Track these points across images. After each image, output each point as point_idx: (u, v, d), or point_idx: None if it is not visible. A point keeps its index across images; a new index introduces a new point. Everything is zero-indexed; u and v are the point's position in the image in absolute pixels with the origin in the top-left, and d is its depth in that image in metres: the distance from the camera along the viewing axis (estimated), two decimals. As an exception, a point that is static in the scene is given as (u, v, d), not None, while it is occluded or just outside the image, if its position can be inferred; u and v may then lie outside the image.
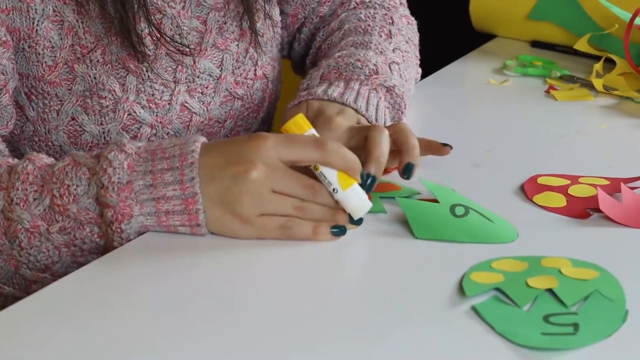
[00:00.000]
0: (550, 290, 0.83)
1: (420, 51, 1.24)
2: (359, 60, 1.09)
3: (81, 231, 0.89)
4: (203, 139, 0.90)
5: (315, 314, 0.81)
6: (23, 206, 0.89)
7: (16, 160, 0.94)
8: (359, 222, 0.91)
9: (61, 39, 0.98)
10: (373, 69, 1.08)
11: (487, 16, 1.46)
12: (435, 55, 1.28)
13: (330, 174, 0.90)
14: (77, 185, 0.88)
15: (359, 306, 0.83)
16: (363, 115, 1.04)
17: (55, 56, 0.99)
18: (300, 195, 0.89)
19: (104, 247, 0.90)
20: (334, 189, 0.90)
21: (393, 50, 1.15)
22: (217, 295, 0.83)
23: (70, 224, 0.89)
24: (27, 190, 0.89)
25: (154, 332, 0.78)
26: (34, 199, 0.89)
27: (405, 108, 1.10)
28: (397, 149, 0.97)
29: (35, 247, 0.89)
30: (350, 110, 1.04)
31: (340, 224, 0.90)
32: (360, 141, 0.98)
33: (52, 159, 0.93)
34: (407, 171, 0.96)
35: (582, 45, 1.35)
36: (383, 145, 0.95)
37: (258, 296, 0.83)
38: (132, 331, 0.78)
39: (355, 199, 0.90)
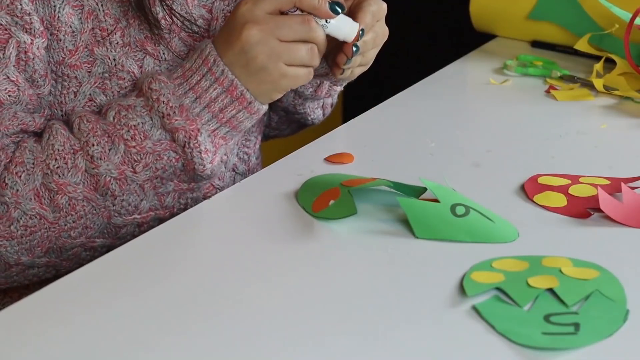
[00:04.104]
0: (551, 290, 0.83)
1: (421, 51, 1.24)
2: None
3: (160, 161, 0.97)
4: (210, 40, 0.99)
5: (314, 313, 0.81)
6: (105, 159, 0.96)
7: (67, 121, 1.00)
8: (357, 49, 1.00)
9: (82, 23, 1.00)
10: None
11: (487, 16, 1.46)
12: (435, 55, 1.28)
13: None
14: (142, 123, 0.97)
15: (359, 306, 0.83)
16: None
17: (75, 40, 1.00)
18: (303, 32, 0.97)
19: (181, 170, 0.98)
20: (324, 23, 0.98)
21: None
22: (217, 294, 0.84)
23: (150, 159, 0.97)
24: (101, 143, 0.96)
25: (154, 332, 0.78)
26: (109, 149, 0.97)
27: None
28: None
29: (126, 192, 0.97)
30: None
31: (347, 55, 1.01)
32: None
33: (95, 113, 0.99)
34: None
35: (582, 45, 1.35)
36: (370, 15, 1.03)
37: (257, 295, 0.83)
38: (132, 331, 0.78)
39: (345, 24, 0.99)
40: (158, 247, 0.91)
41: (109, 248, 0.98)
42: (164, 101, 0.96)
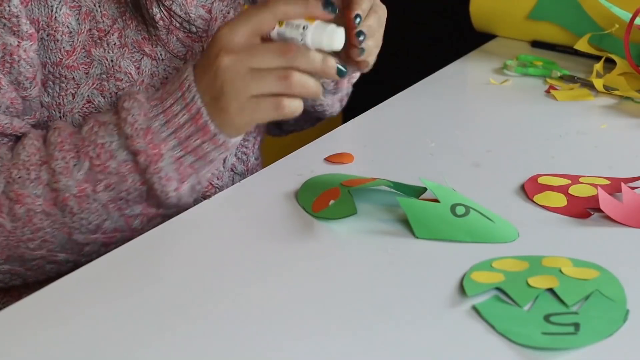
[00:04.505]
0: (551, 290, 0.83)
1: (421, 51, 1.24)
2: None
3: (124, 183, 0.94)
4: (192, 63, 0.95)
5: (314, 313, 0.81)
6: (67, 174, 0.93)
7: (46, 131, 0.98)
8: (343, 70, 0.92)
9: (79, 23, 0.99)
10: None
11: (487, 16, 1.46)
12: (435, 55, 1.28)
13: (294, 20, 0.92)
14: (110, 142, 0.94)
15: (358, 305, 0.83)
16: None
17: (73, 41, 1.00)
18: (277, 63, 0.91)
19: (148, 193, 0.95)
20: (303, 27, 0.92)
21: None
22: (217, 294, 0.84)
23: (114, 180, 0.94)
24: (66, 158, 0.94)
25: (154, 332, 0.78)
26: (74, 165, 0.94)
27: None
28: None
29: (86, 210, 0.94)
30: None
31: (337, 66, 0.92)
32: None
33: (74, 126, 0.98)
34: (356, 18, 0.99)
35: (582, 45, 1.35)
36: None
37: (257, 295, 0.83)
38: (132, 331, 0.78)
39: (326, 29, 0.92)
40: (157, 247, 0.91)
41: (74, 263, 0.96)
42: (130, 122, 0.93)
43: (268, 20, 0.92)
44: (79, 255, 0.97)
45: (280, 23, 0.92)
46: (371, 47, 1.02)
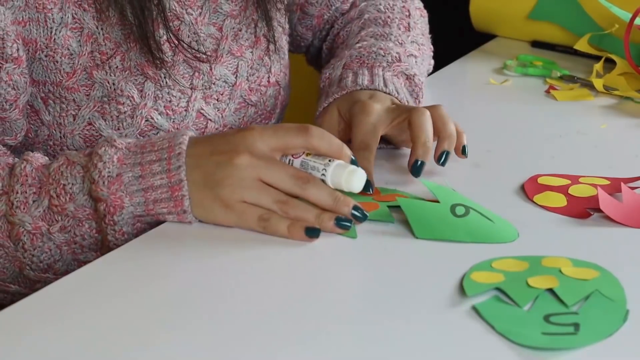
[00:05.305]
0: (550, 290, 0.83)
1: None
2: (380, 48, 1.13)
3: (80, 228, 0.91)
4: (191, 133, 0.93)
5: (314, 313, 0.81)
6: (24, 209, 0.91)
7: (16, 160, 0.95)
8: (362, 215, 0.91)
9: (80, 46, 0.98)
10: (395, 57, 1.13)
11: (487, 16, 1.46)
12: (435, 55, 1.28)
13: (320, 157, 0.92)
14: (72, 184, 0.91)
15: (358, 306, 0.83)
16: (396, 97, 1.07)
17: (73, 63, 0.99)
18: (287, 185, 0.90)
19: (102, 242, 0.92)
20: (324, 168, 0.91)
21: (411, 42, 1.19)
22: (216, 295, 0.84)
23: (70, 223, 0.91)
24: (26, 192, 0.91)
25: (153, 331, 0.78)
26: (34, 201, 0.91)
27: (422, 98, 1.14)
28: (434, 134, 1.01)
29: (38, 248, 0.92)
30: (381, 94, 1.07)
31: (343, 216, 0.90)
32: (403, 123, 1.01)
33: (47, 159, 0.95)
34: (441, 158, 1.01)
35: (582, 45, 1.35)
36: (428, 129, 1.00)
37: (257, 295, 0.83)
38: (132, 330, 0.78)
39: (346, 170, 0.91)
40: (157, 247, 0.91)
41: (25, 296, 0.91)
42: (100, 168, 0.90)
43: (298, 147, 0.92)
44: (30, 290, 0.93)
45: (308, 153, 0.92)
46: (453, 134, 1.01)
